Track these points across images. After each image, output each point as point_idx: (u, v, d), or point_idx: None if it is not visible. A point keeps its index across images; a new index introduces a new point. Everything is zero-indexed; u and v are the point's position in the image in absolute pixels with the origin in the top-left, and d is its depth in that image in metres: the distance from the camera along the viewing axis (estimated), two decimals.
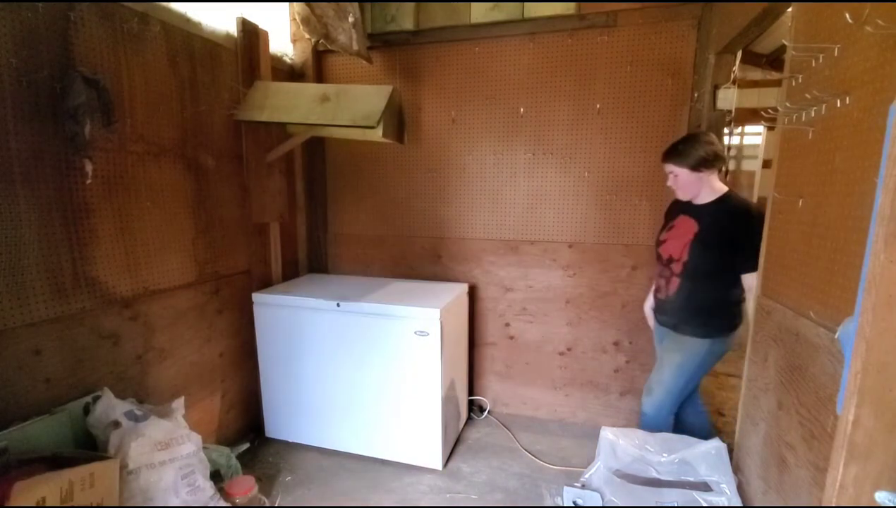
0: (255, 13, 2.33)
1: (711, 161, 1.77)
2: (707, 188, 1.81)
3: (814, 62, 1.24)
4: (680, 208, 1.90)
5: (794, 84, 1.36)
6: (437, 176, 2.66)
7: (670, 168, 1.82)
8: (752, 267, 1.64)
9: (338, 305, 2.20)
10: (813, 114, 1.25)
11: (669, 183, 1.85)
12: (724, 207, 1.77)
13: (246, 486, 1.85)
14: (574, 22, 2.29)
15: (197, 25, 2.01)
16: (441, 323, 2.10)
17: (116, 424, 1.50)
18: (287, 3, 2.59)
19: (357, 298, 2.23)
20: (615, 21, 2.25)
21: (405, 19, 2.47)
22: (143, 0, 1.75)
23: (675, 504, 1.70)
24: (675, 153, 1.80)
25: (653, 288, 2.04)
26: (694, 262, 1.78)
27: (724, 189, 1.82)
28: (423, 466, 2.26)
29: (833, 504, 0.88)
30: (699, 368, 1.88)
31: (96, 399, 1.55)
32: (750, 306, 1.69)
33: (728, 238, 1.72)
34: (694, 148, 1.76)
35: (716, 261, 1.76)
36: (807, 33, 1.31)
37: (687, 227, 1.82)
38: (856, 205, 1.04)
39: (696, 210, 1.83)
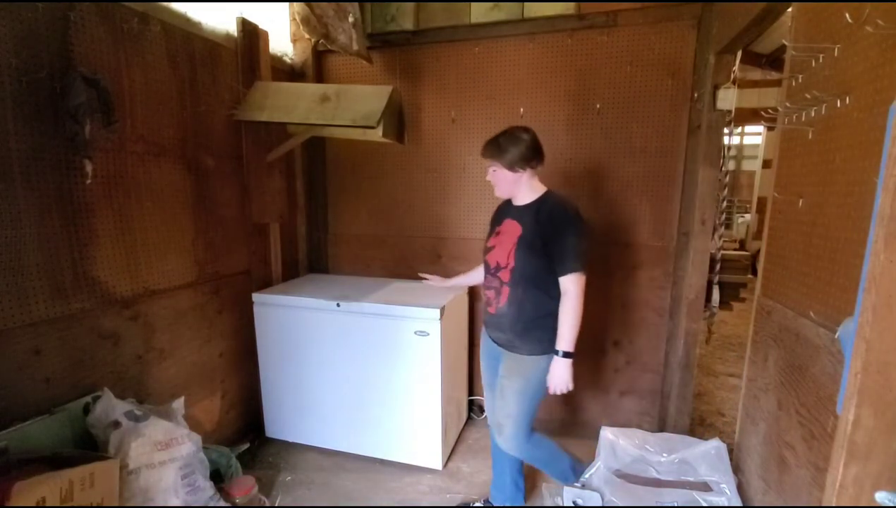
0: (255, 13, 2.33)
1: (529, 159, 1.65)
2: (526, 188, 1.69)
3: (814, 62, 1.24)
4: (505, 211, 1.77)
5: (794, 84, 1.36)
6: (437, 176, 2.65)
7: (488, 163, 1.70)
8: (567, 269, 1.60)
9: (338, 305, 2.20)
10: (813, 114, 1.25)
11: (489, 177, 1.73)
12: (542, 207, 1.66)
13: (246, 486, 1.85)
14: (574, 22, 2.29)
15: (197, 25, 2.01)
16: (441, 323, 2.10)
17: (116, 424, 1.50)
18: (287, 3, 2.59)
19: (357, 298, 2.23)
20: (615, 21, 2.25)
21: (405, 19, 2.47)
22: (143, 0, 1.75)
23: (675, 504, 1.70)
24: (494, 147, 1.66)
25: (484, 301, 1.82)
26: (521, 269, 1.64)
27: (543, 188, 1.72)
28: (423, 466, 2.26)
29: (833, 504, 0.88)
30: (542, 385, 1.70)
31: (96, 399, 1.55)
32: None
33: (546, 239, 1.62)
34: (512, 144, 1.63)
35: (542, 267, 1.63)
36: (807, 33, 1.31)
37: (512, 231, 1.68)
38: (856, 205, 1.04)
39: (517, 211, 1.71)
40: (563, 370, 1.64)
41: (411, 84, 2.60)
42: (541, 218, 1.63)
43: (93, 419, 1.51)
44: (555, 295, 1.65)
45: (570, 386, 1.66)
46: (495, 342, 1.79)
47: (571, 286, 1.61)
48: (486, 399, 1.88)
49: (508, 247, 1.66)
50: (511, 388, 1.71)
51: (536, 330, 1.67)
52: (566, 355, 1.62)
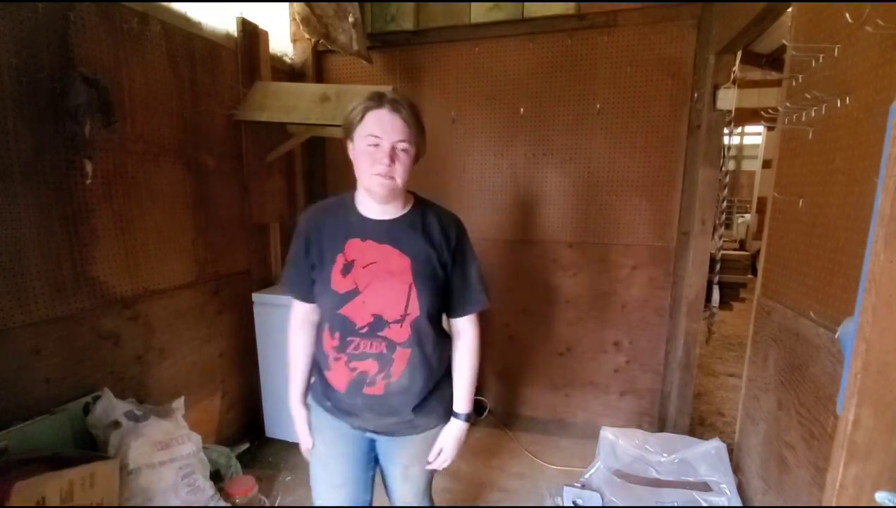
0: (255, 13, 2.33)
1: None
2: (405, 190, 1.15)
3: (814, 62, 1.24)
4: (348, 229, 1.11)
5: (794, 84, 1.36)
6: (437, 176, 2.65)
7: (404, 138, 1.04)
8: (475, 304, 1.19)
9: None
10: (813, 114, 1.25)
11: (385, 163, 1.03)
12: (430, 219, 1.16)
13: (246, 486, 1.85)
14: (574, 22, 2.29)
15: (197, 25, 2.01)
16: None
17: (116, 424, 1.50)
18: (287, 3, 2.59)
19: None
20: (615, 21, 2.25)
21: (405, 19, 2.47)
22: (143, 0, 1.75)
23: (675, 504, 1.70)
24: (414, 114, 1.07)
25: (348, 378, 1.12)
26: (426, 317, 1.10)
27: (410, 193, 1.20)
28: None
29: (833, 504, 0.88)
30: None
31: (96, 399, 1.55)
32: None
33: (447, 267, 1.15)
34: (420, 117, 1.10)
35: (441, 308, 1.18)
36: (807, 33, 1.31)
37: (390, 259, 1.09)
38: (856, 205, 1.04)
39: (386, 229, 1.11)
40: (463, 436, 1.22)
41: (411, 84, 2.60)
42: (436, 235, 1.13)
43: (93, 419, 1.51)
44: (447, 347, 1.23)
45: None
46: (371, 431, 1.19)
47: (474, 325, 1.21)
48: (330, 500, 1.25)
49: (398, 286, 1.08)
50: (419, 470, 1.25)
51: (439, 393, 1.20)
52: (469, 417, 1.22)
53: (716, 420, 2.83)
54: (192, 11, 1.99)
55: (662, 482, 1.82)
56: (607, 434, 1.99)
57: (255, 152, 2.35)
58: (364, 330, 1.09)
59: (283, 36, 2.63)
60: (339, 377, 1.12)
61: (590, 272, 2.51)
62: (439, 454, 1.21)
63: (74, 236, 1.56)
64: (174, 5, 1.90)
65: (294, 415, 1.26)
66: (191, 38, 1.98)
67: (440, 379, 1.20)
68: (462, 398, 1.21)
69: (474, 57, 2.48)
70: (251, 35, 2.27)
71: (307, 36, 2.44)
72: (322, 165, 2.84)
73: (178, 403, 1.73)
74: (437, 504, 1.94)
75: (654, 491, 1.76)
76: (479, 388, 2.78)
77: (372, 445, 1.25)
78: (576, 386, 2.64)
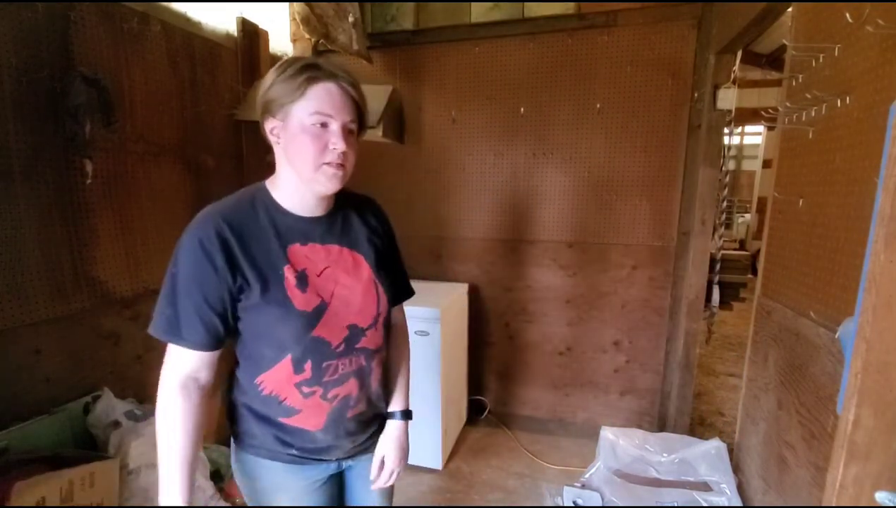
0: (255, 13, 2.33)
1: None
2: None
3: (814, 62, 1.24)
4: (285, 232, 0.90)
5: (794, 84, 1.36)
6: (437, 176, 2.65)
7: (354, 118, 0.90)
8: (409, 292, 1.14)
9: None
10: (813, 114, 1.25)
11: (342, 148, 0.86)
12: (360, 209, 1.06)
13: None
14: (574, 22, 2.29)
15: (197, 25, 2.01)
16: (441, 323, 2.10)
17: (116, 424, 1.51)
18: (287, 3, 2.59)
19: None
20: (615, 21, 2.25)
21: (405, 19, 2.47)
22: (143, 0, 1.75)
23: (675, 504, 1.70)
24: (359, 92, 0.90)
25: (328, 409, 0.94)
26: (388, 311, 1.02)
27: None
28: (423, 466, 2.26)
29: (833, 504, 0.88)
30: None
31: (96, 398, 1.55)
32: None
33: (387, 258, 1.06)
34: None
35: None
36: (807, 33, 1.31)
37: (345, 260, 0.95)
38: (856, 205, 1.04)
39: (323, 227, 0.95)
40: (406, 438, 1.08)
41: (411, 84, 2.60)
42: (372, 223, 1.04)
43: (93, 419, 1.51)
44: None
45: None
46: (346, 458, 1.03)
47: (403, 313, 1.14)
48: None
49: (363, 287, 0.95)
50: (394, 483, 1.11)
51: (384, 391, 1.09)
52: (408, 413, 1.09)
53: (716, 420, 2.83)
54: (192, 11, 1.99)
55: (662, 482, 1.82)
56: (607, 433, 1.99)
57: (255, 152, 2.35)
58: (340, 348, 0.91)
59: (283, 36, 2.63)
60: (314, 416, 0.92)
61: (590, 272, 2.51)
62: (382, 465, 1.04)
63: (74, 236, 1.56)
64: (174, 5, 1.90)
65: None
66: (191, 38, 1.98)
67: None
68: (401, 394, 1.08)
69: (474, 57, 2.48)
70: (251, 35, 2.27)
71: (307, 36, 2.44)
72: None
73: None
74: (437, 504, 1.94)
75: (654, 491, 1.76)
76: (479, 388, 2.79)
77: (340, 483, 1.07)
78: (576, 386, 2.64)
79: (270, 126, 0.88)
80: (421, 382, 2.16)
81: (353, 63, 2.65)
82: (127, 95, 1.71)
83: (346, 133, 0.86)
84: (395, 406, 1.08)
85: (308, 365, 0.89)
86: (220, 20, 2.15)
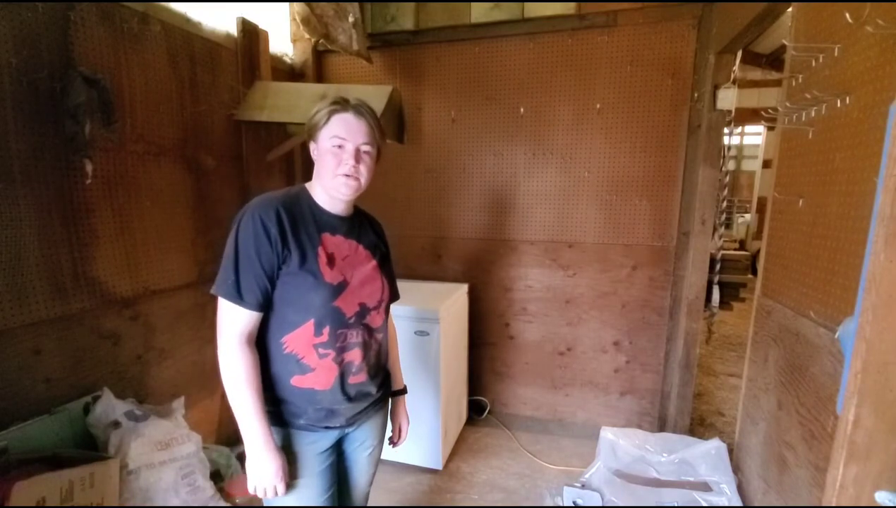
0: (255, 13, 2.33)
1: None
2: None
3: (814, 62, 1.24)
4: (311, 224, 1.10)
5: (794, 84, 1.36)
6: (437, 176, 2.65)
7: (368, 141, 1.10)
8: (397, 291, 1.35)
9: None
10: (813, 114, 1.25)
11: (348, 172, 1.07)
12: (365, 218, 1.29)
13: (246, 486, 1.85)
14: (574, 22, 2.29)
15: (197, 25, 2.01)
16: (441, 323, 2.10)
17: (116, 424, 1.50)
18: (287, 3, 2.59)
19: None
20: (615, 21, 2.25)
21: (405, 19, 2.47)
22: (143, 0, 1.75)
23: (675, 504, 1.70)
24: (372, 116, 1.12)
25: (334, 375, 1.11)
26: (389, 299, 1.27)
27: None
28: (423, 466, 2.26)
29: (833, 504, 0.88)
30: None
31: (96, 399, 1.55)
32: None
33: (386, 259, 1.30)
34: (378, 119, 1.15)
35: None
36: (807, 33, 1.31)
37: (356, 252, 1.17)
38: (856, 205, 1.04)
39: (342, 225, 1.16)
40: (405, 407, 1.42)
41: (411, 84, 2.60)
42: (379, 232, 1.31)
43: (93, 419, 1.51)
44: None
45: None
46: (346, 425, 1.18)
47: (390, 313, 1.36)
48: None
49: (374, 275, 1.19)
50: (380, 450, 1.36)
51: (387, 367, 1.33)
52: (405, 388, 1.42)
53: (716, 420, 2.83)
54: (192, 11, 1.99)
55: (662, 482, 1.82)
56: (607, 434, 1.99)
57: (255, 152, 2.35)
58: (352, 320, 1.12)
59: (283, 36, 2.63)
60: (324, 376, 1.10)
61: (590, 272, 2.51)
62: (399, 432, 1.41)
63: (74, 236, 1.56)
64: (174, 5, 1.90)
65: (271, 462, 1.04)
66: (191, 38, 1.98)
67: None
68: (399, 376, 1.40)
69: (474, 57, 2.48)
70: (251, 35, 2.27)
71: (307, 36, 2.44)
72: None
73: (178, 403, 1.73)
74: (437, 504, 1.94)
75: (654, 491, 1.76)
76: (480, 388, 2.79)
77: (335, 452, 1.21)
78: (576, 386, 2.64)
79: (311, 147, 1.13)
80: (421, 382, 2.16)
81: (353, 63, 2.65)
82: (127, 95, 1.71)
83: (359, 153, 1.09)
84: (399, 384, 1.39)
85: (326, 330, 1.08)
86: (220, 20, 2.15)
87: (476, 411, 2.76)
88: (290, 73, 2.64)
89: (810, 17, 1.31)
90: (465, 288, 2.54)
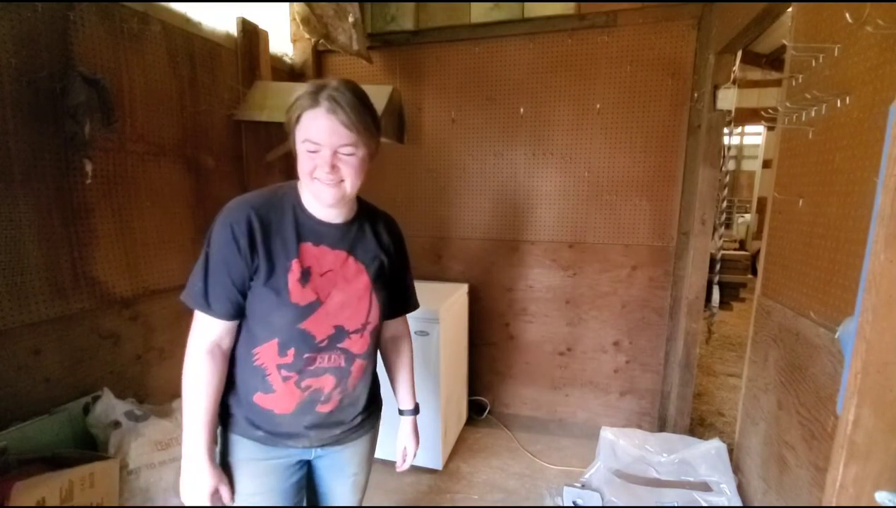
0: (255, 13, 2.33)
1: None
2: None
3: (814, 62, 1.24)
4: (301, 231, 0.98)
5: (794, 84, 1.36)
6: (437, 176, 2.65)
7: (347, 142, 0.90)
8: (414, 304, 1.25)
9: None
10: (813, 114, 1.25)
11: (326, 180, 0.92)
12: (377, 223, 1.14)
13: None
14: (574, 22, 2.29)
15: (197, 25, 2.01)
16: (441, 323, 2.10)
17: (116, 424, 1.50)
18: (287, 3, 2.59)
19: None
20: (615, 21, 2.25)
21: (405, 19, 2.47)
22: (143, 0, 1.75)
23: (675, 504, 1.70)
24: (363, 112, 0.91)
25: (297, 400, 1.00)
26: (378, 325, 1.09)
27: None
28: (423, 466, 2.25)
29: (833, 504, 0.88)
30: None
31: (96, 399, 1.55)
32: None
33: (395, 271, 1.15)
34: (373, 108, 0.97)
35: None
36: (807, 33, 1.31)
37: (344, 266, 1.01)
38: (856, 205, 1.04)
39: (335, 233, 1.01)
40: (416, 427, 1.27)
41: (411, 84, 2.60)
42: (385, 240, 1.12)
43: (93, 419, 1.51)
44: None
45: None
46: (315, 447, 1.08)
47: (407, 324, 1.27)
48: None
49: (359, 295, 1.02)
50: (365, 476, 1.24)
51: (373, 389, 1.19)
52: (418, 408, 1.27)
53: (716, 420, 2.83)
54: (192, 11, 1.99)
55: (662, 482, 1.82)
56: (607, 434, 1.99)
57: (255, 152, 2.35)
58: (324, 344, 0.98)
59: (283, 36, 2.63)
60: (285, 400, 0.99)
61: (590, 272, 2.51)
62: (405, 454, 1.25)
63: (74, 236, 1.56)
64: (174, 5, 1.90)
65: (206, 477, 0.95)
66: (191, 38, 1.98)
67: (375, 383, 1.20)
68: (410, 394, 1.25)
69: (474, 57, 2.48)
70: (251, 35, 2.27)
71: (307, 36, 2.44)
72: None
73: (178, 403, 1.73)
74: (437, 504, 1.94)
75: (654, 491, 1.76)
76: (480, 388, 2.79)
77: (304, 470, 1.12)
78: (576, 386, 2.64)
79: (291, 139, 0.97)
80: (421, 382, 2.16)
81: (353, 63, 2.65)
82: (127, 95, 1.71)
83: (336, 157, 0.91)
84: (405, 404, 1.25)
85: (291, 352, 0.97)
86: (220, 20, 2.15)
87: (476, 411, 2.76)
88: (290, 72, 2.64)
89: (810, 17, 1.31)
90: (465, 288, 2.54)
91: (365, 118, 0.92)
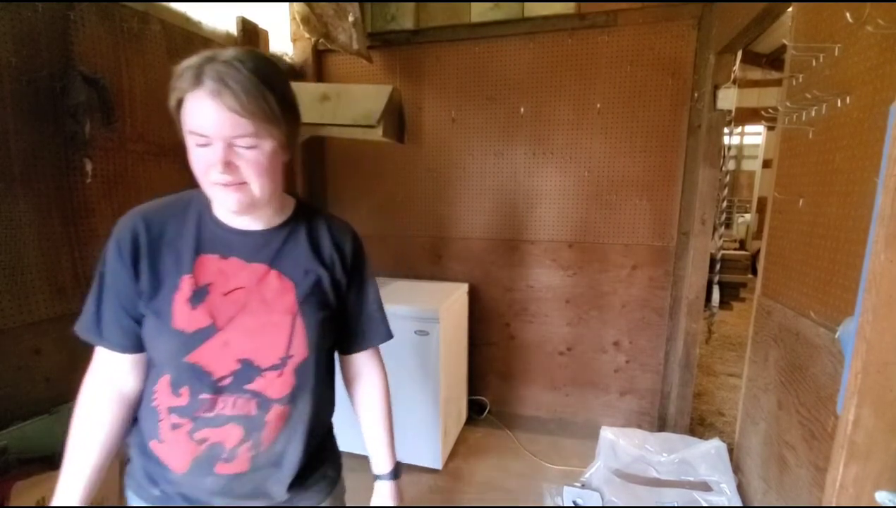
0: (255, 13, 2.33)
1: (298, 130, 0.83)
2: (281, 190, 0.85)
3: (814, 62, 1.24)
4: (204, 240, 0.80)
5: (794, 84, 1.36)
6: (437, 176, 2.65)
7: (245, 132, 0.70)
8: (381, 335, 0.97)
9: None
10: (813, 114, 1.25)
11: (223, 182, 0.73)
12: (320, 230, 0.90)
13: None
14: (574, 21, 2.29)
15: (197, 25, 2.01)
16: (441, 323, 2.10)
17: None
18: (287, 3, 2.59)
19: None
20: (615, 21, 2.25)
21: (405, 18, 2.47)
22: (143, 0, 1.75)
23: (675, 504, 1.70)
24: (260, 92, 0.70)
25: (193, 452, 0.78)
26: (316, 359, 0.83)
27: (287, 196, 0.92)
28: (423, 466, 2.25)
29: (833, 504, 0.88)
30: None
31: None
32: None
33: (341, 292, 0.90)
34: (288, 92, 0.78)
35: (336, 335, 0.93)
36: (807, 33, 1.31)
37: (267, 282, 0.81)
38: (856, 205, 1.04)
39: (259, 242, 0.82)
40: (400, 494, 1.04)
41: (411, 83, 2.60)
42: (327, 250, 0.88)
43: None
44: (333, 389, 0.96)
45: None
46: None
47: (378, 361, 1.00)
48: None
49: (277, 320, 0.79)
50: None
51: (323, 456, 0.94)
52: (397, 471, 1.03)
53: (716, 420, 2.83)
54: (192, 11, 1.98)
55: (662, 482, 1.82)
56: (607, 433, 1.99)
57: None
58: (225, 383, 0.76)
59: (283, 35, 2.63)
60: (176, 452, 0.78)
61: (590, 272, 2.51)
62: None
63: (74, 236, 1.56)
64: (174, 5, 1.90)
65: None
66: (191, 37, 1.98)
67: (324, 438, 0.95)
68: (384, 454, 0.99)
69: (474, 57, 2.48)
70: (251, 35, 2.27)
71: (307, 35, 2.43)
72: (322, 165, 2.84)
73: None
74: (437, 504, 1.94)
75: (654, 491, 1.76)
76: (480, 388, 2.79)
77: None
78: (576, 386, 2.64)
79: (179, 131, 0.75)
80: (421, 382, 2.16)
81: (354, 62, 2.65)
82: (127, 95, 1.71)
83: (231, 151, 0.70)
84: (380, 467, 1.00)
85: (185, 391, 0.76)
86: (220, 20, 2.15)
87: (476, 411, 2.76)
88: (290, 72, 2.64)
89: (810, 17, 1.31)
90: (465, 287, 2.54)
91: (265, 101, 0.70)
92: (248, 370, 0.77)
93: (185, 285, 0.76)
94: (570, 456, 2.37)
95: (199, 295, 0.76)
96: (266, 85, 0.70)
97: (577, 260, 2.52)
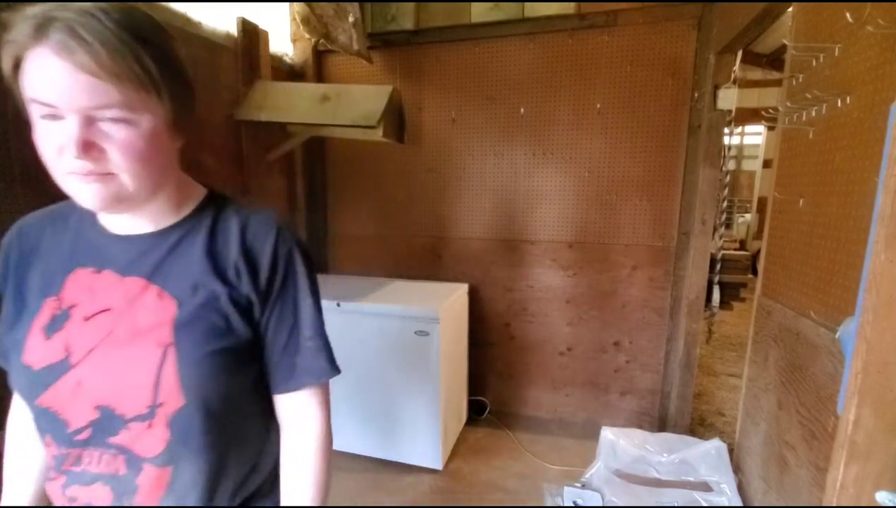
0: (255, 13, 2.33)
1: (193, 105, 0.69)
2: (176, 178, 0.68)
3: (814, 62, 1.24)
4: (79, 250, 0.64)
5: (794, 84, 1.36)
6: (437, 176, 2.65)
7: (110, 102, 0.52)
8: (313, 375, 0.70)
9: (338, 305, 2.20)
10: (813, 114, 1.25)
11: (80, 170, 0.55)
12: (229, 229, 0.67)
13: None
14: (574, 22, 2.29)
15: (197, 25, 2.01)
16: (441, 323, 2.10)
17: None
18: (287, 3, 2.59)
19: (357, 298, 2.23)
20: (615, 21, 2.25)
21: (405, 19, 2.47)
22: (143, 0, 1.75)
23: (675, 504, 1.70)
24: (151, 45, 0.55)
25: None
26: (201, 399, 0.61)
27: (199, 186, 0.74)
28: (423, 466, 2.25)
29: (833, 504, 0.88)
30: None
31: None
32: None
33: (255, 311, 0.67)
34: (174, 59, 0.65)
35: (246, 383, 0.68)
36: (807, 33, 1.31)
37: (141, 301, 0.61)
38: (856, 205, 1.04)
39: (140, 249, 0.64)
40: None
41: (411, 84, 2.60)
42: (233, 255, 0.65)
43: None
44: (274, 440, 0.73)
45: None
46: None
47: (317, 405, 0.71)
48: None
49: (144, 353, 0.59)
50: None
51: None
52: None
53: (716, 420, 2.82)
54: (192, 11, 1.98)
55: (663, 482, 1.82)
56: (607, 434, 1.99)
57: (255, 152, 2.35)
58: (83, 436, 0.60)
59: (283, 36, 2.63)
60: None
61: (590, 272, 2.51)
62: None
63: None
64: (174, 5, 1.90)
65: None
66: (191, 37, 1.98)
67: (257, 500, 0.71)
68: None
69: (474, 57, 2.48)
70: (251, 35, 2.27)
71: (307, 36, 2.44)
72: (322, 165, 2.84)
73: None
74: (437, 504, 1.94)
75: (654, 491, 1.76)
76: (480, 388, 2.79)
77: None
78: (576, 386, 2.64)
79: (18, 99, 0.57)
80: (421, 382, 2.16)
81: (354, 63, 2.65)
82: None
83: (94, 131, 0.53)
84: None
85: (49, 440, 0.62)
86: (220, 20, 2.15)
87: (476, 411, 2.76)
88: (290, 73, 2.64)
89: (810, 17, 1.31)
90: (465, 288, 2.54)
91: (136, 60, 0.52)
92: (108, 419, 0.59)
93: (46, 309, 0.61)
94: (571, 456, 2.37)
95: (58, 321, 0.60)
96: (138, 40, 0.52)
97: (578, 261, 2.52)
